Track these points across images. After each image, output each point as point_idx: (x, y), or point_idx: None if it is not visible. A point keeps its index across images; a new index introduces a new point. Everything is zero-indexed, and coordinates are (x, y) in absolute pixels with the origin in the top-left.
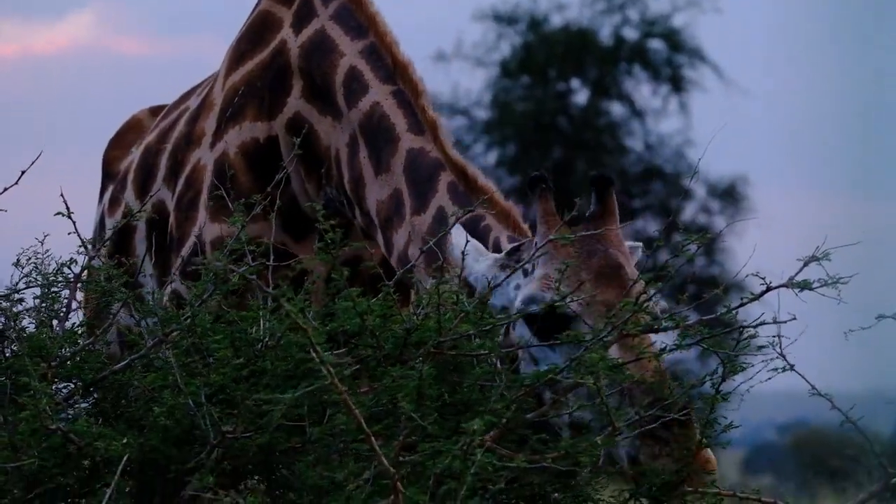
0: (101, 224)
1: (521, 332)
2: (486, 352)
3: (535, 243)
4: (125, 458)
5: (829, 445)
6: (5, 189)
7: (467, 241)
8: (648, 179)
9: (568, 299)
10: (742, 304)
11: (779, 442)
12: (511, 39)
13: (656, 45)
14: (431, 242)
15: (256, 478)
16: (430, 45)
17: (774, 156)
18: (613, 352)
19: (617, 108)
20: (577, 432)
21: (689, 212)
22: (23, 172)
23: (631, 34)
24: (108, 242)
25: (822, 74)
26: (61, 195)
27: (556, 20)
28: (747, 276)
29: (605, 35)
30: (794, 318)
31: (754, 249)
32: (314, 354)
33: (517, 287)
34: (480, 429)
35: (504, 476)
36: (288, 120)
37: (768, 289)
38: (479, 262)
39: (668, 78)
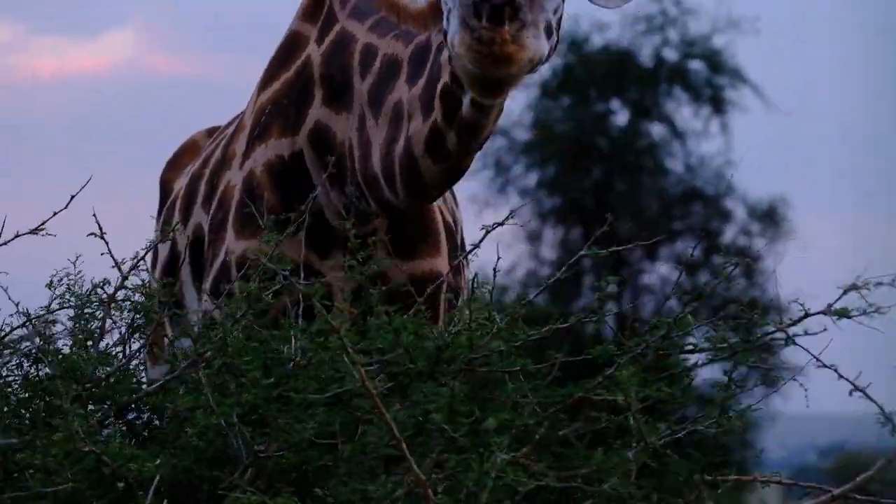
0: (155, 247)
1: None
2: (518, 368)
3: None
4: (157, 479)
5: (869, 468)
6: (55, 213)
7: None
8: (689, 201)
9: None
10: (781, 329)
11: (820, 465)
12: (551, 60)
13: (696, 65)
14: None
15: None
16: None
17: (816, 177)
18: None
19: (657, 129)
20: None
21: (729, 234)
22: (72, 197)
23: (671, 55)
24: (140, 263)
25: (864, 96)
26: (94, 215)
27: (597, 40)
28: (790, 302)
29: (646, 56)
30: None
31: (782, 262)
32: (345, 357)
33: None
34: (502, 442)
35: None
36: (309, 131)
37: (806, 315)
38: None
39: (709, 99)
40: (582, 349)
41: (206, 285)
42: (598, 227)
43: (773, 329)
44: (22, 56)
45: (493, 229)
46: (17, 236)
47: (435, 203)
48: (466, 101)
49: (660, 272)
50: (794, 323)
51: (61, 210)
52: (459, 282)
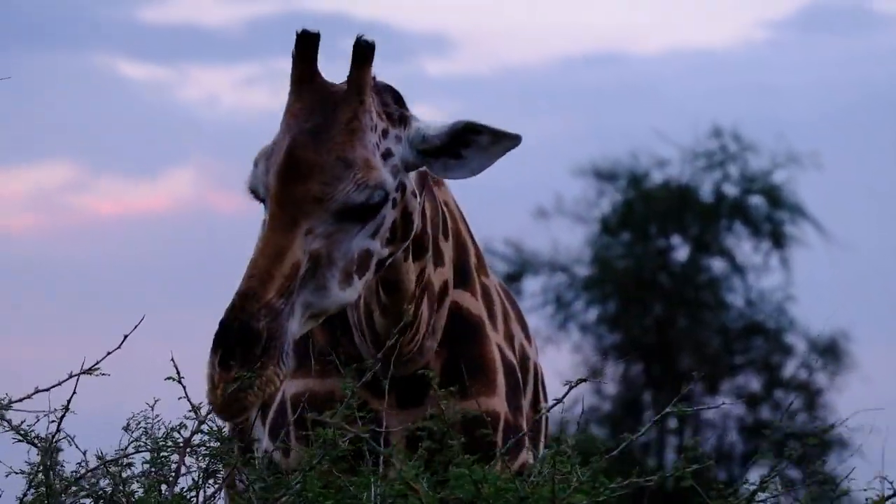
0: None
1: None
2: None
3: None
4: None
5: None
6: (108, 353)
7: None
8: (750, 336)
9: None
10: None
11: None
12: (611, 196)
13: (757, 201)
14: None
15: None
16: (531, 202)
17: (880, 310)
18: None
19: (718, 264)
20: None
21: (789, 368)
22: (125, 336)
23: (731, 190)
24: None
25: None
26: (172, 360)
27: (657, 176)
28: (850, 433)
29: (706, 191)
30: None
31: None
32: None
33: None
34: None
35: None
36: None
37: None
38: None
39: (769, 234)
40: (653, 493)
41: (267, 424)
42: (659, 362)
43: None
44: (84, 196)
45: (575, 385)
46: (70, 377)
47: (495, 342)
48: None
49: (721, 406)
50: (883, 501)
51: (115, 350)
52: (520, 422)
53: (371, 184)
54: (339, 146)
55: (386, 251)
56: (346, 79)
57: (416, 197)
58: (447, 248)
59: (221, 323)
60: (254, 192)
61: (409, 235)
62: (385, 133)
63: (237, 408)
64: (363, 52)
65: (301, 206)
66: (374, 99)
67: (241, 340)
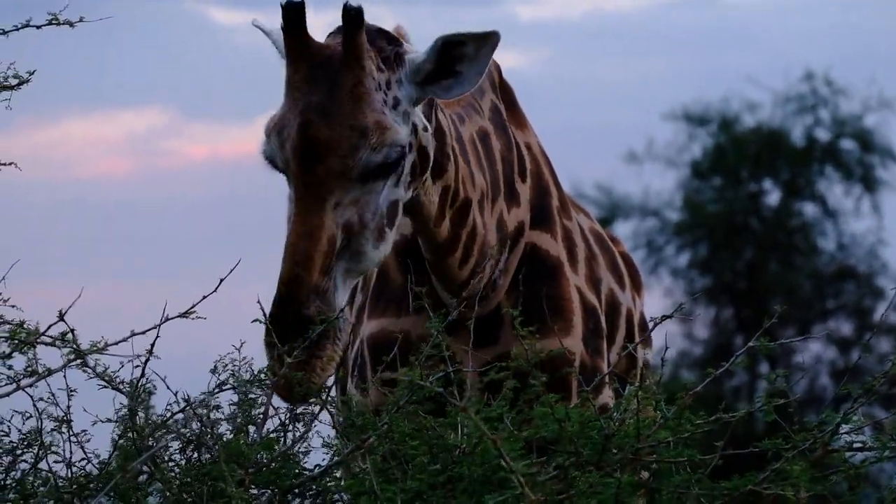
0: None
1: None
2: (685, 459)
3: None
4: None
5: None
6: (204, 297)
7: None
8: (841, 279)
9: None
10: None
11: None
12: (702, 140)
13: (848, 145)
14: None
15: None
16: (621, 146)
17: None
18: None
19: (809, 209)
20: None
21: (880, 311)
22: (221, 280)
23: (823, 135)
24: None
25: None
26: (258, 302)
27: (748, 120)
28: None
29: (797, 136)
30: None
31: None
32: (504, 464)
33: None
34: None
35: None
36: None
37: None
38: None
39: (860, 178)
40: (740, 436)
41: (349, 367)
42: (750, 306)
43: None
44: (176, 140)
45: (660, 322)
46: (166, 320)
47: (573, 283)
48: None
49: (812, 350)
50: None
51: (210, 293)
52: (599, 364)
53: (387, 143)
54: (350, 115)
55: (410, 192)
56: (339, 40)
57: (427, 130)
58: (524, 190)
59: (272, 315)
60: (271, 162)
61: (427, 168)
62: (388, 84)
63: (303, 393)
64: (353, 17)
65: (324, 182)
66: (370, 53)
67: (297, 330)
